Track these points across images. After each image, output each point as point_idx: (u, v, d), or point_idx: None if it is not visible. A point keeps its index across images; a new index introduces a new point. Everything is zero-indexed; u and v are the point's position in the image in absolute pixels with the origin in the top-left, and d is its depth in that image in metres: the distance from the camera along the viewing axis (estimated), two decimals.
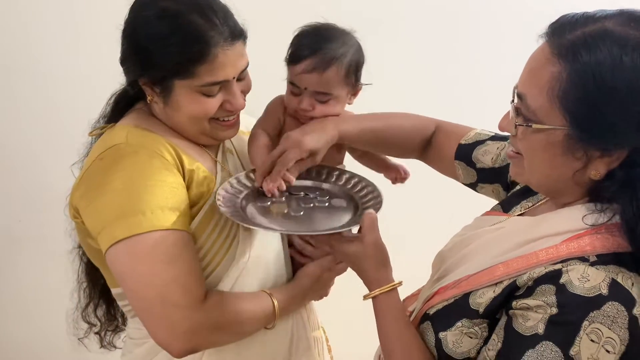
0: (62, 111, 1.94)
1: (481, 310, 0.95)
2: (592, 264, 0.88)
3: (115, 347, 1.46)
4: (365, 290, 1.09)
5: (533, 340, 0.87)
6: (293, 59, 1.26)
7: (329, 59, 1.23)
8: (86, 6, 1.91)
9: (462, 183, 1.31)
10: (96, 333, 1.43)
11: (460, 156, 1.28)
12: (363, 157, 1.45)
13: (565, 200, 0.97)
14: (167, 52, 1.12)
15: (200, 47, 1.12)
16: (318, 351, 1.38)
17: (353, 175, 1.29)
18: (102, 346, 1.45)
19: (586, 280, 0.87)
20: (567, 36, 0.88)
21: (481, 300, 0.96)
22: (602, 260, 0.89)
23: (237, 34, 1.16)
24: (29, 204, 2.05)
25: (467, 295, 0.98)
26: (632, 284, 0.88)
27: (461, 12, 2.22)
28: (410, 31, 2.18)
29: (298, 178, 1.23)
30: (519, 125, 0.93)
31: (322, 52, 1.23)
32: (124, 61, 1.20)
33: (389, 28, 2.16)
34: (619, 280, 0.87)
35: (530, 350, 0.87)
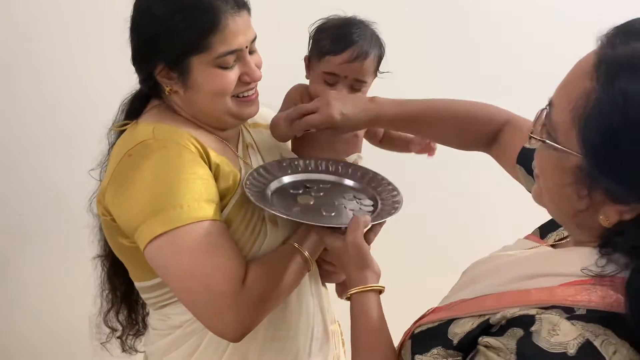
0: (64, 106, 1.92)
1: (455, 341, 0.85)
2: (571, 318, 0.74)
3: (136, 351, 1.47)
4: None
5: None
6: (334, 49, 1.31)
7: (367, 48, 1.32)
8: (91, 3, 1.93)
9: (527, 190, 1.13)
10: (118, 337, 1.44)
11: (521, 161, 1.14)
12: (384, 141, 1.49)
13: (579, 238, 0.83)
14: (178, 30, 1.14)
15: (210, 17, 1.13)
16: (335, 344, 1.40)
17: (383, 178, 1.32)
18: (124, 350, 1.46)
19: (555, 334, 0.73)
20: (617, 49, 0.71)
21: (458, 330, 0.85)
22: (589, 316, 0.74)
23: (242, 4, 1.19)
24: (30, 198, 2.04)
25: (450, 322, 0.88)
26: (614, 352, 0.72)
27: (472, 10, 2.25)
28: (418, 28, 2.22)
29: (333, 174, 1.31)
30: (532, 136, 0.81)
31: (361, 41, 1.31)
32: (136, 57, 1.21)
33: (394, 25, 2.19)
34: (596, 343, 0.71)
35: None
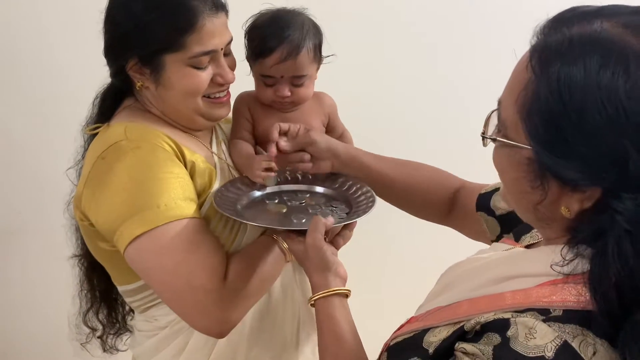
0: (63, 104, 1.91)
1: (431, 350, 0.82)
2: (547, 320, 0.72)
3: (117, 350, 1.47)
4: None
5: None
6: (262, 52, 1.27)
7: (297, 44, 1.27)
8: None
9: (492, 240, 1.13)
10: (98, 337, 1.43)
11: (480, 206, 1.16)
12: None
13: (548, 234, 0.82)
14: (154, 26, 1.13)
15: (187, 16, 1.13)
16: None
17: (348, 178, 1.30)
18: (104, 350, 1.45)
19: (532, 337, 0.71)
20: (550, 37, 0.72)
21: (434, 339, 0.83)
22: (565, 317, 0.72)
23: (220, 5, 1.19)
24: (29, 197, 2.03)
25: (425, 331, 0.86)
26: (594, 353, 0.70)
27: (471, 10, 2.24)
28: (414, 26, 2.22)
29: (301, 183, 1.30)
30: (483, 135, 0.81)
31: (289, 38, 1.26)
32: (108, 49, 1.20)
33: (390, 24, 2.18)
34: (574, 344, 0.70)
35: None
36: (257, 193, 1.27)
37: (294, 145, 1.26)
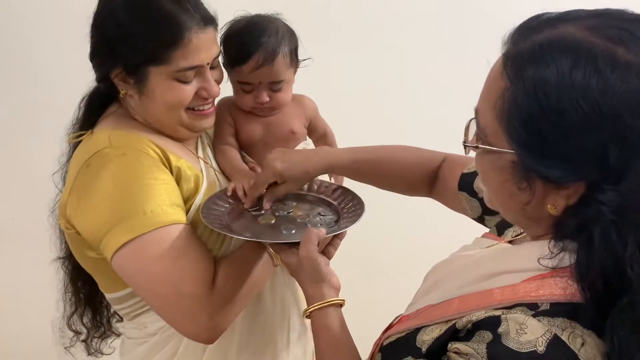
0: (55, 107, 1.91)
1: (424, 349, 0.83)
2: (536, 315, 0.74)
3: (102, 353, 1.46)
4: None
5: None
6: (238, 60, 1.28)
7: (272, 50, 1.28)
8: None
9: (472, 219, 1.17)
10: (83, 341, 1.43)
11: (463, 186, 1.16)
12: (318, 144, 1.49)
13: (536, 232, 0.83)
14: (141, 38, 1.12)
15: (174, 31, 1.12)
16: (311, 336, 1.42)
17: (347, 190, 1.30)
18: (89, 354, 1.45)
19: (523, 332, 0.73)
20: (520, 44, 0.75)
21: (426, 338, 0.84)
22: (553, 310, 0.74)
23: (209, 20, 1.18)
24: (22, 202, 2.00)
25: (417, 330, 0.87)
26: (582, 344, 0.72)
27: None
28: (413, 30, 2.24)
29: (297, 192, 1.29)
30: (465, 145, 0.83)
31: (264, 45, 1.27)
32: (94, 55, 1.19)
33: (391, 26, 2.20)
34: (564, 337, 0.72)
35: None
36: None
37: (262, 191, 1.24)
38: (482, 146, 0.79)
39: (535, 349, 0.71)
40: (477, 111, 0.81)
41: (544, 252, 0.77)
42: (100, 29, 1.17)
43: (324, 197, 1.30)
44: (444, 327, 0.82)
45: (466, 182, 1.15)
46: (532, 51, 0.73)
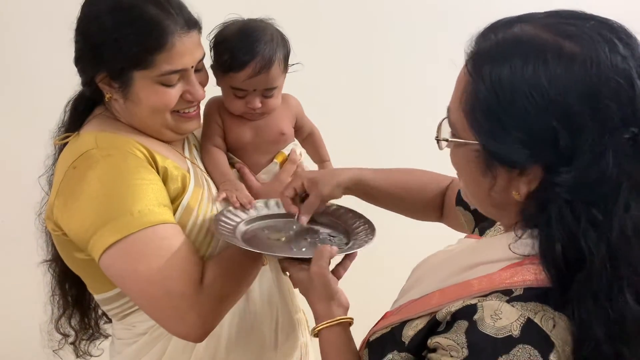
0: (43, 110, 1.92)
1: (407, 342, 0.87)
2: (510, 300, 0.79)
3: (90, 355, 1.46)
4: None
5: None
6: (233, 67, 1.27)
7: (269, 57, 1.27)
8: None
9: (470, 233, 1.18)
10: (71, 343, 1.42)
11: (459, 200, 1.20)
12: (304, 144, 1.49)
13: (507, 222, 0.88)
14: (124, 43, 1.12)
15: (157, 35, 1.13)
16: (301, 332, 1.42)
17: (359, 215, 1.30)
18: (78, 356, 1.44)
19: (498, 318, 0.77)
20: (481, 44, 0.82)
21: (411, 332, 0.87)
22: (526, 295, 0.79)
23: (193, 23, 1.18)
24: (10, 204, 2.01)
25: (402, 324, 0.90)
26: (554, 326, 0.77)
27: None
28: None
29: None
30: (437, 139, 0.89)
31: (261, 52, 1.26)
32: (78, 60, 1.19)
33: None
34: (537, 320, 0.76)
35: None
36: (256, 222, 1.27)
37: (309, 209, 1.26)
38: (451, 139, 0.86)
39: (510, 333, 0.76)
40: (448, 109, 0.87)
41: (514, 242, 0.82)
42: (85, 34, 1.17)
43: (335, 220, 1.30)
44: (425, 320, 0.86)
45: (461, 196, 1.16)
46: (489, 49, 0.80)
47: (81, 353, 1.44)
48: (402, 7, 2.27)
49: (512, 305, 0.78)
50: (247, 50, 1.26)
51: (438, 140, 0.89)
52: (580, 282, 0.76)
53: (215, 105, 1.37)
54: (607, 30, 0.77)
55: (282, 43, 1.31)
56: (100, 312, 1.40)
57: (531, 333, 0.76)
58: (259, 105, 1.31)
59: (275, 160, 1.39)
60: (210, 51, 1.31)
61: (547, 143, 0.76)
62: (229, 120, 1.36)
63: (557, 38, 0.77)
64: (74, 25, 1.18)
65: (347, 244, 1.21)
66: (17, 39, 1.93)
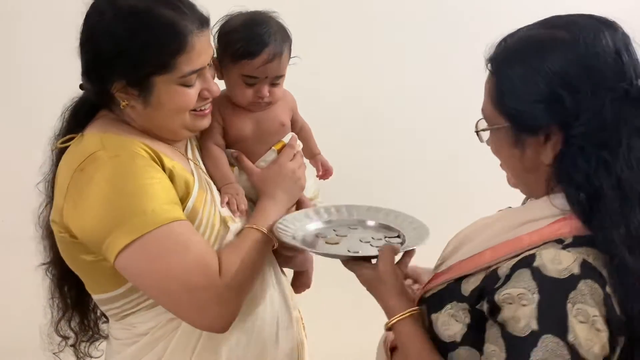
0: (45, 111, 1.92)
1: (467, 295, 1.00)
2: (565, 247, 0.94)
3: (91, 357, 1.46)
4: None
5: (533, 338, 0.89)
6: (249, 53, 1.29)
7: (281, 44, 1.32)
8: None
9: None
10: (71, 345, 1.42)
11: None
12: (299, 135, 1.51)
13: (540, 192, 1.03)
14: (143, 50, 1.12)
15: (177, 38, 1.13)
16: (298, 330, 1.44)
17: (405, 215, 1.34)
18: (78, 358, 1.44)
19: (559, 262, 0.91)
20: (496, 51, 1.03)
21: (469, 286, 1.01)
22: (577, 242, 0.94)
23: (205, 22, 1.19)
24: (13, 203, 1.98)
25: (459, 280, 1.03)
26: (603, 266, 0.92)
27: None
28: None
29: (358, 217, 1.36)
30: (476, 131, 1.07)
31: (272, 39, 1.30)
32: (90, 72, 1.18)
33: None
34: (590, 260, 0.92)
35: (534, 349, 0.88)
36: (311, 228, 1.32)
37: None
38: (489, 127, 1.04)
39: (572, 272, 0.90)
40: (482, 110, 1.05)
41: (560, 200, 0.98)
42: (96, 47, 1.15)
43: (385, 223, 1.33)
44: (482, 275, 1.00)
45: None
46: (502, 52, 1.03)
47: (81, 355, 1.44)
48: (402, 7, 2.26)
49: (568, 251, 0.93)
50: (262, 37, 1.30)
51: (477, 132, 1.07)
52: (599, 211, 0.93)
53: (214, 102, 1.37)
54: (592, 19, 0.98)
55: (287, 34, 1.36)
56: (99, 312, 1.40)
57: (587, 270, 0.91)
58: (267, 93, 1.34)
59: (273, 147, 1.41)
60: (217, 43, 1.32)
61: (556, 105, 0.95)
62: (230, 115, 1.38)
63: (551, 30, 0.98)
64: (77, 30, 1.17)
65: (401, 243, 1.25)
66: (14, 45, 1.93)
